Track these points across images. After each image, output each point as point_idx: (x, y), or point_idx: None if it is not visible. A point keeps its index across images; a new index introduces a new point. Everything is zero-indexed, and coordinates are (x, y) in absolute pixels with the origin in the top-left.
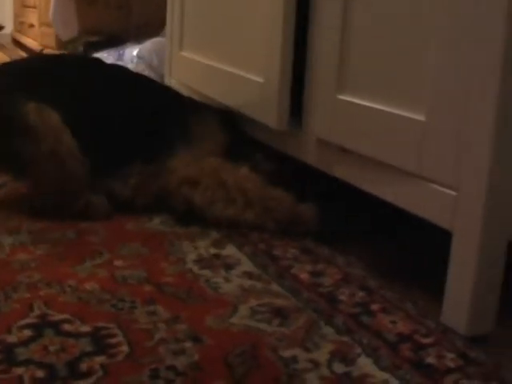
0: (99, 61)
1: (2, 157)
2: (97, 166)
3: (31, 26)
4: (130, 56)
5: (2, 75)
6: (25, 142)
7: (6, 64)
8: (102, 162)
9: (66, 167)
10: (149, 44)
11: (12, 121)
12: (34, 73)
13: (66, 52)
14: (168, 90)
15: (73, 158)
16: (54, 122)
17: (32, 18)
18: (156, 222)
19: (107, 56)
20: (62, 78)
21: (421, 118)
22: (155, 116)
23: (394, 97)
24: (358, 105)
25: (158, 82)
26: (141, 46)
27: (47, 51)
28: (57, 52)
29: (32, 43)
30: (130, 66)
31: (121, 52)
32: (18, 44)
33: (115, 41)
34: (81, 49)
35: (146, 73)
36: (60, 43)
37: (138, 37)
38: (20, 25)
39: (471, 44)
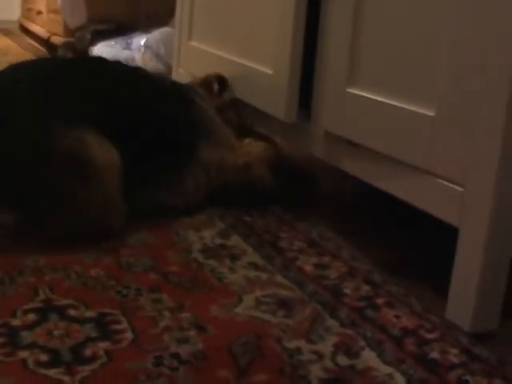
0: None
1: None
2: (140, 179)
3: (39, 12)
4: (138, 45)
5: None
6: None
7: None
8: (146, 174)
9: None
10: (157, 33)
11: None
12: (74, 82)
13: (73, 40)
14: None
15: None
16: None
17: (40, 4)
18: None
19: (114, 44)
20: (99, 89)
21: (430, 113)
22: (177, 118)
23: (404, 92)
24: (368, 99)
25: (166, 79)
26: (148, 36)
27: (55, 38)
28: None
29: (40, 30)
30: (138, 55)
31: (128, 41)
32: (25, 31)
33: (123, 29)
34: (88, 37)
35: (153, 62)
36: (68, 31)
37: (146, 26)
38: (28, 11)
39: (483, 41)
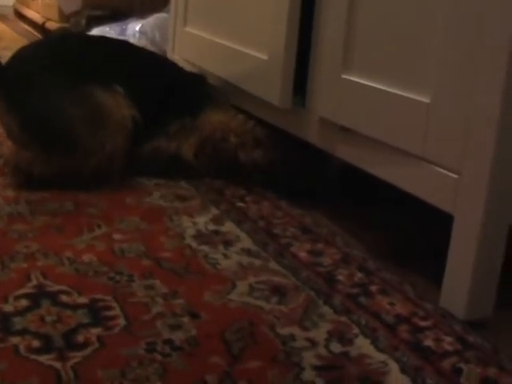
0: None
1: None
2: (145, 129)
3: None
4: (133, 31)
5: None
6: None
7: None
8: (149, 125)
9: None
10: (151, 19)
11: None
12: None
13: (68, 25)
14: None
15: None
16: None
17: None
18: (155, 197)
19: (109, 30)
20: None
21: (426, 99)
22: (182, 88)
23: (400, 78)
24: (363, 85)
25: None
26: (143, 22)
27: (50, 24)
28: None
29: (34, 15)
30: (132, 41)
31: (123, 27)
32: (20, 16)
33: (118, 15)
34: (83, 22)
35: (148, 48)
36: (63, 16)
37: (141, 12)
38: None
39: (478, 25)
